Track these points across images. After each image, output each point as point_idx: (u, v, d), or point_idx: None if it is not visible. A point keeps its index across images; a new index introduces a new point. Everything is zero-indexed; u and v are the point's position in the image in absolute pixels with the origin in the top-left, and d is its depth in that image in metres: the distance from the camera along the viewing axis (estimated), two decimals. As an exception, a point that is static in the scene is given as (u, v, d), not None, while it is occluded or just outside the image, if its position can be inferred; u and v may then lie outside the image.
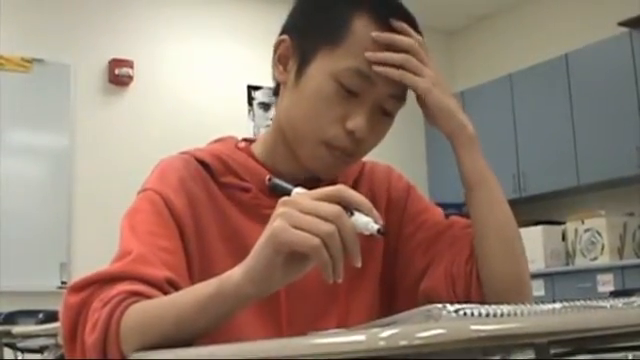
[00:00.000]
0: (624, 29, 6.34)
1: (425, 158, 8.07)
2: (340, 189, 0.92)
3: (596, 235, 6.22)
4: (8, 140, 6.16)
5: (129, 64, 6.68)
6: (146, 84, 6.78)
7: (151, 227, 1.15)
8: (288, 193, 1.00)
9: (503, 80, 7.39)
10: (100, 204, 6.27)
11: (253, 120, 7.19)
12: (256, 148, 1.32)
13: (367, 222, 0.91)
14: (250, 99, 7.26)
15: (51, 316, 4.18)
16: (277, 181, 1.10)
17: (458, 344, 0.62)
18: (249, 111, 7.21)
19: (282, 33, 1.28)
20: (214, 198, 1.23)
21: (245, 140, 1.35)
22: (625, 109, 6.29)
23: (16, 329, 4.04)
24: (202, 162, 1.26)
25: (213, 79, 7.10)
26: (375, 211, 0.93)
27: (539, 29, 7.52)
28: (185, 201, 1.20)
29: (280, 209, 0.91)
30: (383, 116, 1.25)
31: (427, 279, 1.30)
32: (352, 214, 0.91)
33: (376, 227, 0.91)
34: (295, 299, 1.22)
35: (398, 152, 8.61)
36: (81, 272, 1.10)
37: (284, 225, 0.89)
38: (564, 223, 6.55)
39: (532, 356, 0.70)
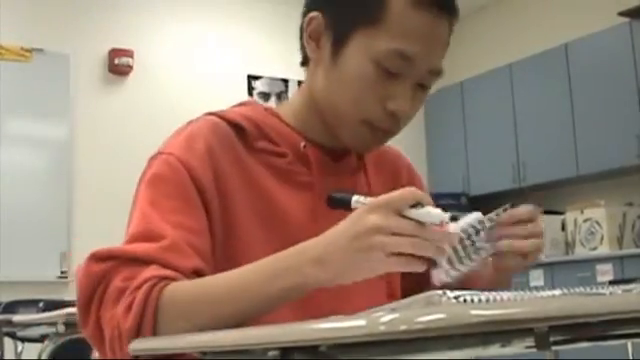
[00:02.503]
0: (624, 19, 6.33)
1: (425, 149, 8.06)
2: (414, 193, 0.95)
3: (595, 225, 6.22)
4: (8, 130, 6.16)
5: (129, 54, 6.67)
6: (146, 74, 6.77)
7: (175, 203, 1.12)
8: (348, 202, 1.04)
9: (503, 70, 7.37)
10: (100, 193, 6.28)
11: (253, 110, 7.19)
12: (286, 114, 1.30)
13: (438, 212, 0.95)
14: (250, 89, 7.25)
15: (51, 305, 4.18)
16: (336, 195, 1.11)
17: (458, 329, 0.62)
18: (248, 101, 7.20)
19: (310, 7, 1.25)
20: (243, 164, 1.21)
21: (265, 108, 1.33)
22: (624, 99, 6.28)
23: (16, 318, 4.04)
24: (235, 124, 1.23)
25: (213, 69, 7.09)
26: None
27: (539, 19, 7.51)
28: (211, 173, 1.16)
29: (375, 238, 0.92)
30: (421, 91, 1.24)
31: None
32: (423, 206, 0.95)
33: (447, 215, 0.95)
34: None
35: (398, 142, 8.59)
36: (81, 262, 1.09)
37: (384, 259, 0.92)
38: (563, 213, 6.55)
39: (532, 344, 0.71)
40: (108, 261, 1.05)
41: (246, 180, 1.20)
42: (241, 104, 1.32)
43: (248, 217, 1.19)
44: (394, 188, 1.35)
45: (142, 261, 1.04)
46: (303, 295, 0.98)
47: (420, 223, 0.93)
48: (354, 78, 1.20)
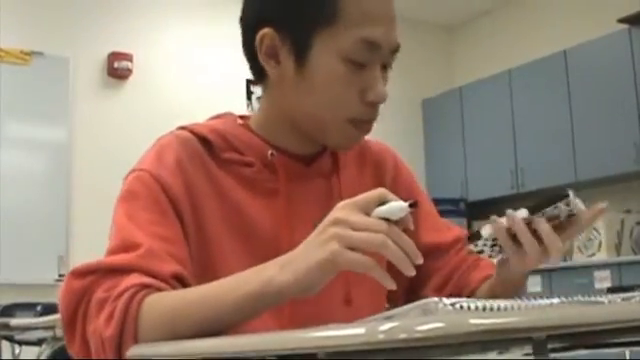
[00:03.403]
0: (623, 26, 6.34)
1: (423, 154, 8.06)
2: (380, 193, 0.96)
3: (593, 232, 6.22)
4: (7, 133, 6.15)
5: (128, 57, 6.68)
6: (145, 77, 6.77)
7: (150, 215, 1.13)
8: None
9: (502, 76, 7.38)
10: (98, 197, 6.26)
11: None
12: (254, 125, 1.30)
13: (399, 205, 0.95)
14: (249, 93, 7.26)
15: (49, 308, 4.18)
16: None
17: (457, 338, 0.62)
18: (248, 105, 7.20)
19: (256, 25, 1.22)
20: (212, 176, 1.22)
21: (240, 117, 1.34)
22: (623, 106, 6.29)
23: (14, 321, 4.03)
24: (202, 138, 1.24)
25: (212, 73, 7.10)
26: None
27: (538, 25, 7.52)
28: (182, 184, 1.18)
29: (333, 229, 0.92)
30: (384, 72, 1.24)
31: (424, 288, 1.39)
32: (384, 203, 0.95)
33: (407, 204, 0.95)
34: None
35: (397, 146, 8.61)
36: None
37: (340, 249, 0.91)
38: (562, 219, 6.55)
39: (530, 351, 0.71)
40: (88, 276, 1.06)
41: (216, 191, 1.21)
42: (216, 117, 1.34)
43: (220, 228, 1.19)
44: (378, 184, 1.34)
45: (122, 271, 1.05)
46: (270, 303, 0.97)
47: (387, 220, 0.93)
48: (328, 81, 1.18)
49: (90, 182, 6.35)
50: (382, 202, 0.95)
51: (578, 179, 6.61)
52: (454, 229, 1.48)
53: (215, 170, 1.22)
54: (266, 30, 1.20)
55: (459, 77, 8.09)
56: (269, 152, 1.25)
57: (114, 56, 6.63)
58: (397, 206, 0.94)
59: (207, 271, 1.16)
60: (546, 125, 6.89)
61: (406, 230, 0.94)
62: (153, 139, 1.28)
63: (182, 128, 1.27)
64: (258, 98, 7.80)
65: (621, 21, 6.31)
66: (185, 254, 1.13)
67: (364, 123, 1.23)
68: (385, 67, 1.24)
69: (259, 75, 1.26)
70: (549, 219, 1.09)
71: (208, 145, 1.24)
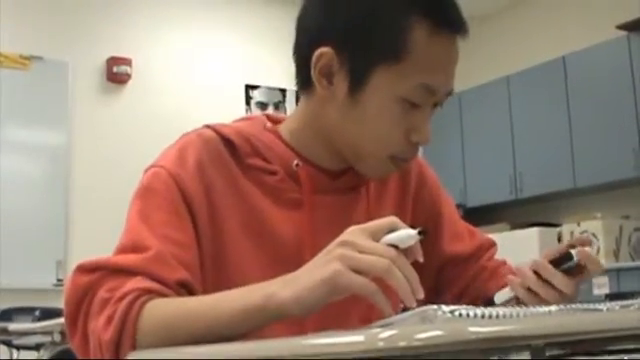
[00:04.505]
0: (622, 32, 6.35)
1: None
2: (391, 221, 0.95)
3: (592, 238, 6.22)
4: (6, 137, 6.16)
5: (127, 62, 6.68)
6: (144, 82, 6.78)
7: (164, 215, 1.12)
8: None
9: (501, 82, 7.38)
10: (97, 202, 6.27)
11: (251, 119, 7.21)
12: (284, 131, 1.27)
13: (407, 232, 0.94)
14: (248, 98, 7.26)
15: (47, 313, 4.18)
16: None
17: (456, 345, 0.62)
18: (246, 110, 7.21)
19: (316, 40, 1.18)
20: (234, 181, 1.20)
21: (270, 119, 1.31)
22: (622, 112, 6.29)
23: (12, 326, 4.04)
24: (227, 139, 1.22)
25: (211, 78, 7.10)
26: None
27: (537, 31, 7.53)
28: (201, 187, 1.16)
29: (339, 250, 0.91)
30: (434, 109, 1.23)
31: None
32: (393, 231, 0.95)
33: (416, 231, 0.94)
34: None
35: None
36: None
37: (343, 270, 0.89)
38: (560, 225, 6.55)
39: (528, 359, 0.71)
40: (94, 272, 1.06)
41: (236, 194, 1.20)
42: (244, 118, 1.32)
43: (237, 230, 1.18)
44: (402, 193, 1.36)
45: (127, 272, 1.04)
46: (269, 318, 0.95)
47: (396, 248, 0.92)
48: (378, 117, 1.17)
49: (89, 186, 6.35)
50: (392, 230, 0.94)
51: (577, 185, 6.61)
52: (477, 236, 1.48)
53: (237, 174, 1.21)
54: (326, 50, 1.17)
55: (458, 83, 7.98)
56: (294, 162, 1.23)
57: (113, 61, 6.64)
58: (406, 234, 0.94)
59: (221, 272, 1.15)
60: (545, 131, 6.89)
61: (414, 262, 0.94)
62: (152, 143, 1.27)
63: (207, 127, 1.25)
64: (257, 103, 7.80)
65: (620, 27, 6.32)
66: (194, 259, 1.12)
67: (403, 161, 1.23)
68: (436, 105, 1.23)
69: (305, 84, 1.23)
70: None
71: (232, 147, 1.22)
